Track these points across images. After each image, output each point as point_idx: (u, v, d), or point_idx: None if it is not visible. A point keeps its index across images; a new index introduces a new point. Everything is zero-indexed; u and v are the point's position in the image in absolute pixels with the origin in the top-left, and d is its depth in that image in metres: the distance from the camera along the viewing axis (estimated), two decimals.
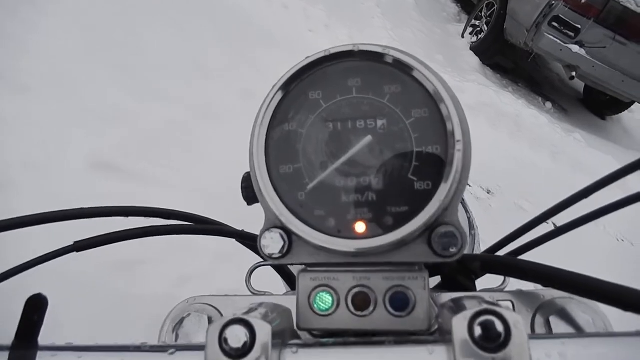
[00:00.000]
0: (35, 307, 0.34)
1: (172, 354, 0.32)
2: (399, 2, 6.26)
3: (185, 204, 2.23)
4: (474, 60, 5.87)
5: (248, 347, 0.29)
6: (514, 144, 4.45)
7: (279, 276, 0.68)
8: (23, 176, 2.14)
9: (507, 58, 6.14)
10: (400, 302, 0.37)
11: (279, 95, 0.38)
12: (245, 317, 0.30)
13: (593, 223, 0.61)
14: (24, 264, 0.44)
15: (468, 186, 3.85)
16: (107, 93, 2.79)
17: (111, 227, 0.56)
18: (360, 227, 0.36)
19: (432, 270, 0.49)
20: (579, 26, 4.88)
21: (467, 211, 1.03)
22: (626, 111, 6.59)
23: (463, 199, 1.09)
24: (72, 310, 1.50)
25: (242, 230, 0.56)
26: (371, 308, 0.37)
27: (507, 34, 5.65)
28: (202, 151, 2.71)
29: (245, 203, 0.47)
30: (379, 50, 0.37)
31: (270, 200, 0.37)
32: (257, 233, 0.44)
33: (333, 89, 0.39)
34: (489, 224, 3.36)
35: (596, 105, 6.64)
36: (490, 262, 0.48)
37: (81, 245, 0.46)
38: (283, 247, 0.37)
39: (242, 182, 0.41)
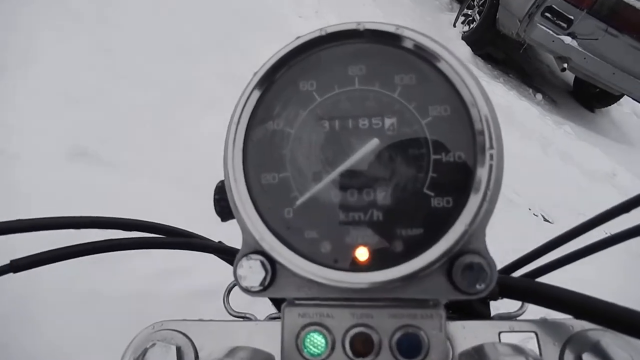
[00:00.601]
0: None
1: None
2: None
3: (167, 193, 2.14)
4: (466, 50, 5.79)
5: None
6: (505, 136, 4.39)
7: None
8: None
9: (498, 48, 6.08)
10: (410, 346, 0.29)
11: (262, 86, 0.30)
12: None
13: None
14: None
15: None
16: (87, 76, 2.66)
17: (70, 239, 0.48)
18: (362, 254, 0.28)
19: None
20: (572, 17, 4.82)
21: None
22: (615, 104, 6.59)
23: None
24: None
25: (220, 242, 0.48)
26: (374, 353, 0.29)
27: (499, 24, 5.58)
28: (185, 137, 2.60)
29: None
30: (391, 29, 0.29)
31: (248, 220, 0.28)
32: (239, 246, 0.36)
33: (330, 79, 0.30)
34: None
35: (586, 98, 6.62)
36: (512, 286, 0.41)
37: (20, 265, 0.37)
38: (264, 278, 0.29)
39: (215, 192, 0.32)
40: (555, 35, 4.92)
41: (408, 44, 0.29)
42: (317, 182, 0.29)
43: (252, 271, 0.29)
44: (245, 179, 0.29)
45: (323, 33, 0.30)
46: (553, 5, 4.83)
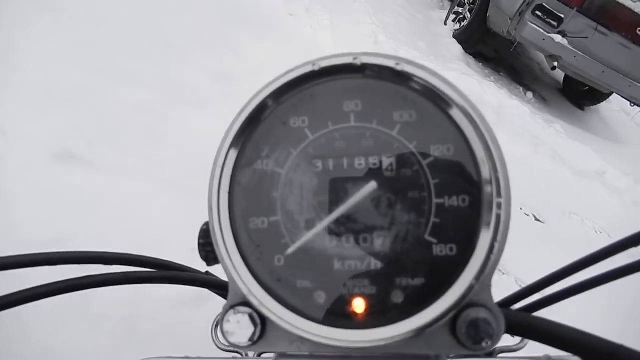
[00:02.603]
0: None
1: None
2: None
3: (155, 195, 2.10)
4: (457, 48, 5.79)
5: None
6: (496, 135, 4.41)
7: None
8: None
9: (489, 47, 6.08)
10: None
11: (249, 124, 0.27)
12: None
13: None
14: None
15: None
16: (72, 74, 2.61)
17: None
18: (359, 306, 0.26)
19: None
20: (562, 15, 4.82)
21: None
22: (604, 102, 6.63)
23: None
24: None
25: (208, 272, 0.45)
26: None
27: (490, 22, 5.57)
28: (174, 137, 2.56)
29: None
30: (391, 64, 0.26)
31: (235, 272, 0.26)
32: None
33: (323, 116, 0.27)
34: None
35: (575, 96, 6.66)
36: (514, 322, 0.39)
37: (4, 303, 0.34)
38: (254, 333, 0.26)
39: (199, 237, 0.30)
40: (545, 33, 4.92)
41: (405, 78, 0.27)
42: (310, 229, 0.26)
43: (240, 326, 0.26)
44: (231, 225, 0.27)
45: (316, 68, 0.27)
46: (543, 4, 4.83)
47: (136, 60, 2.91)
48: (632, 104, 5.57)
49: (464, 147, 0.26)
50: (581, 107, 6.67)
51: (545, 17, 4.88)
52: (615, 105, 7.23)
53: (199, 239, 0.30)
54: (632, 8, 4.66)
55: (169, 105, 2.73)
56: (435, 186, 0.26)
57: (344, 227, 0.26)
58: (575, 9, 4.76)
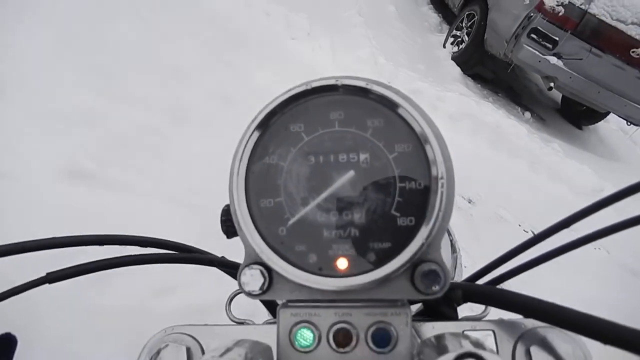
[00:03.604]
0: (5, 346, 0.32)
1: None
2: (380, 11, 6.30)
3: (163, 212, 2.19)
4: (455, 70, 5.94)
5: None
6: (493, 153, 4.50)
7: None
8: None
9: (487, 68, 6.22)
10: (382, 338, 0.35)
11: (260, 129, 0.36)
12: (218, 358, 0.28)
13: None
14: None
15: None
16: (81, 97, 2.73)
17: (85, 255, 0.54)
18: (342, 263, 0.35)
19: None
20: (557, 38, 4.97)
21: (449, 234, 1.03)
22: (602, 121, 6.74)
23: None
24: None
25: (223, 257, 0.54)
26: (353, 344, 0.35)
27: (487, 45, 5.73)
28: (178, 158, 2.67)
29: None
30: (362, 84, 0.36)
31: (249, 237, 0.35)
32: (238, 260, 0.43)
33: (315, 122, 0.37)
34: (470, 234, 3.38)
35: (573, 116, 6.77)
36: (472, 292, 0.47)
37: (54, 277, 0.43)
38: (263, 284, 0.35)
39: (222, 215, 0.39)
40: (541, 55, 5.07)
41: (373, 95, 0.36)
42: (305, 206, 0.35)
43: (254, 278, 0.35)
44: (247, 203, 0.36)
45: (309, 87, 0.36)
46: (538, 27, 4.98)
47: (143, 83, 3.04)
48: (629, 123, 5.68)
49: (418, 145, 0.35)
50: (579, 126, 6.78)
51: (541, 39, 5.04)
52: (613, 125, 7.34)
53: (221, 216, 0.39)
54: (624, 31, 4.80)
55: (173, 127, 2.85)
56: (398, 174, 0.35)
57: (330, 204, 0.35)
58: (569, 31, 4.91)
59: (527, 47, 5.09)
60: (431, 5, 7.66)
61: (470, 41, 5.96)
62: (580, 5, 4.78)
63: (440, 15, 7.48)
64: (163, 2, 3.96)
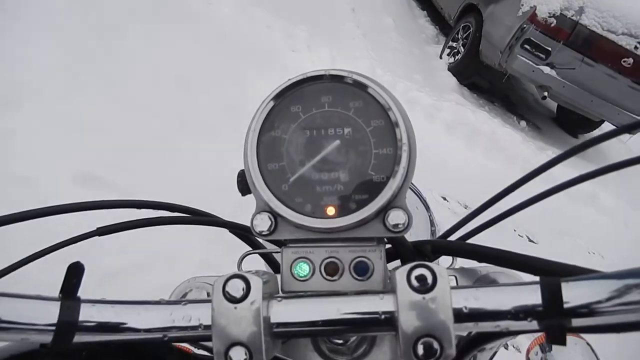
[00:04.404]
0: (75, 272, 0.42)
1: (185, 304, 0.41)
2: (378, 24, 6.46)
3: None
4: (452, 80, 6.08)
5: (244, 296, 0.38)
6: (489, 161, 4.62)
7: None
8: (10, 189, 2.19)
9: (483, 78, 6.37)
10: (362, 269, 0.46)
11: (267, 108, 0.48)
12: (242, 273, 0.39)
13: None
14: (52, 246, 0.51)
15: (445, 201, 3.98)
16: (94, 106, 2.86)
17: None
18: (330, 210, 0.45)
19: (393, 255, 0.58)
20: (550, 48, 5.12)
21: (420, 197, 1.15)
22: (597, 130, 6.86)
23: (415, 187, 1.20)
24: None
25: (233, 221, 0.64)
26: (339, 274, 0.46)
27: (482, 56, 5.88)
28: (186, 162, 2.79)
29: (240, 194, 0.56)
30: (344, 74, 0.47)
31: (261, 190, 0.46)
32: (247, 224, 0.54)
33: (310, 104, 0.48)
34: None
35: (568, 124, 6.90)
36: (439, 246, 0.58)
37: (103, 231, 0.54)
38: (270, 225, 0.46)
39: (238, 177, 0.50)
40: (534, 65, 5.21)
41: (351, 81, 0.47)
42: (302, 167, 0.47)
43: (263, 222, 0.46)
44: (258, 166, 0.47)
45: (305, 76, 0.48)
46: (531, 38, 5.13)
47: (152, 94, 3.17)
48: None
49: (388, 120, 0.46)
50: (575, 135, 6.90)
51: (534, 50, 5.18)
52: None
53: (237, 178, 0.50)
54: (615, 41, 4.94)
55: (181, 133, 2.97)
56: (373, 142, 0.46)
57: (321, 166, 0.46)
58: (562, 42, 5.05)
59: (520, 57, 5.24)
60: (428, 18, 7.84)
61: (466, 52, 6.11)
62: (572, 16, 4.93)
63: (436, 27, 7.65)
64: (168, 15, 4.12)
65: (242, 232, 0.64)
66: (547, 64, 5.20)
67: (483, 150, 4.67)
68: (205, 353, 0.55)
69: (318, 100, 0.48)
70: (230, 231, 0.64)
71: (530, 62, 5.21)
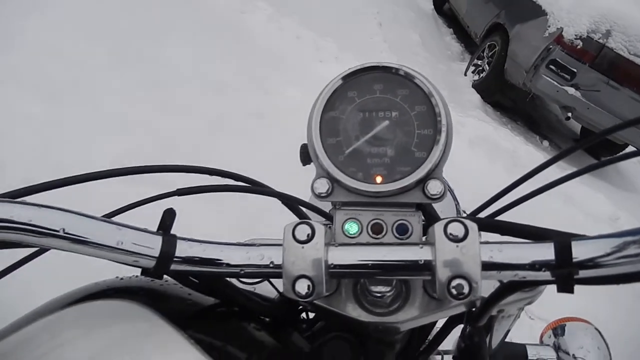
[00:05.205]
0: (169, 215, 0.52)
1: (258, 246, 0.50)
2: (405, 39, 6.58)
3: (199, 208, 2.40)
4: (476, 97, 6.14)
5: (310, 238, 0.47)
6: (510, 177, 4.62)
7: None
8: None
9: (506, 97, 6.41)
10: (402, 230, 0.55)
11: (330, 92, 0.57)
12: (308, 221, 0.48)
13: None
14: (133, 203, 0.61)
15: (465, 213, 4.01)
16: (134, 106, 3.02)
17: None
18: (378, 179, 0.54)
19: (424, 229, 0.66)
20: (575, 70, 5.15)
21: (446, 185, 1.23)
22: (620, 153, 6.81)
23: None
24: None
25: (286, 193, 0.72)
26: (383, 233, 0.55)
27: (507, 74, 5.93)
28: (217, 160, 2.91)
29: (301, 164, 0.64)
30: (395, 66, 0.57)
31: (322, 159, 0.55)
32: (297, 197, 0.63)
33: (364, 90, 0.57)
34: None
35: (592, 146, 6.87)
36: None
37: (181, 192, 0.63)
38: (328, 189, 0.55)
39: (300, 149, 0.59)
40: (559, 86, 5.25)
41: (401, 73, 0.57)
42: (356, 142, 0.56)
43: (322, 185, 0.55)
44: (320, 139, 0.56)
45: (362, 66, 0.57)
46: (557, 59, 5.17)
47: (187, 95, 3.33)
48: None
49: (430, 105, 0.55)
50: (597, 157, 6.87)
51: (559, 70, 5.22)
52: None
53: (301, 149, 0.58)
54: None
55: (213, 134, 3.11)
56: (416, 124, 0.55)
57: (372, 141, 0.55)
58: (587, 64, 5.09)
59: (545, 77, 5.28)
60: (454, 36, 7.93)
61: (490, 70, 6.17)
62: (598, 39, 4.97)
63: (462, 45, 7.73)
64: (206, 25, 4.29)
65: (293, 203, 0.73)
66: (571, 85, 5.23)
67: (505, 167, 4.70)
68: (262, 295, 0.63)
69: (371, 87, 0.57)
70: (282, 202, 0.73)
71: (555, 83, 5.25)
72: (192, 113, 3.19)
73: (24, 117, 2.64)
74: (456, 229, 0.46)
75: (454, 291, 0.45)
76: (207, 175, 0.66)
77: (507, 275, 0.47)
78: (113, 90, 3.07)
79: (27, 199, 0.47)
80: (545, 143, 6.15)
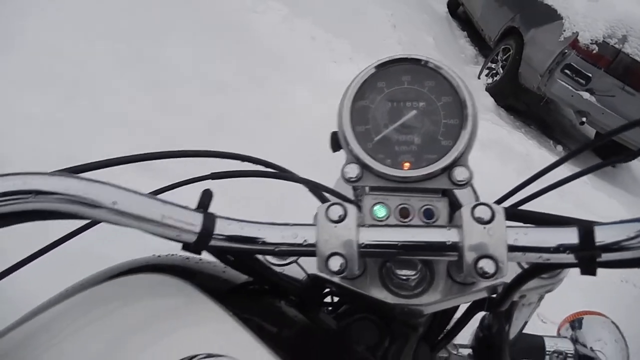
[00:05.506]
0: (208, 195, 0.54)
1: (292, 226, 0.52)
2: (419, 41, 6.58)
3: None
4: (489, 100, 6.13)
5: (342, 218, 0.49)
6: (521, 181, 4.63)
7: None
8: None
9: (520, 100, 6.39)
10: (429, 214, 0.57)
11: (360, 82, 0.59)
12: (341, 202, 0.50)
13: None
14: (171, 184, 0.63)
15: None
16: (136, 105, 3.08)
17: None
18: (406, 165, 0.57)
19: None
20: (590, 75, 5.14)
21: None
22: (636, 160, 6.74)
23: None
24: None
25: (311, 179, 0.74)
26: (410, 217, 0.57)
27: (521, 78, 5.92)
28: (220, 162, 2.94)
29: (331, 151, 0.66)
30: (423, 58, 0.59)
31: (353, 145, 0.57)
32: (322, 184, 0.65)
33: (393, 81, 0.59)
34: None
35: (606, 152, 6.82)
36: None
37: (216, 176, 0.66)
38: (357, 174, 0.57)
39: (331, 136, 0.61)
40: (574, 90, 5.23)
41: (429, 65, 0.59)
42: (385, 130, 0.58)
43: (352, 170, 0.57)
44: (351, 127, 0.59)
45: (390, 58, 0.60)
46: (572, 63, 5.16)
47: (189, 95, 3.38)
48: None
49: (456, 96, 0.57)
50: (613, 164, 6.82)
51: (574, 75, 5.20)
52: None
53: (331, 136, 0.61)
54: None
55: (215, 134, 3.14)
56: (443, 114, 0.58)
57: (400, 129, 0.58)
58: (603, 69, 5.07)
59: (560, 81, 5.27)
60: (468, 39, 7.92)
61: (504, 74, 6.17)
62: (614, 44, 4.95)
63: (476, 48, 7.72)
64: (210, 24, 4.33)
65: (318, 190, 0.75)
66: (586, 90, 5.21)
67: (517, 169, 4.69)
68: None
69: (399, 78, 0.59)
70: (308, 189, 0.75)
71: (570, 87, 5.24)
72: (192, 113, 3.22)
73: (24, 117, 2.69)
74: (483, 211, 0.48)
75: (480, 270, 0.47)
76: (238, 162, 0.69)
77: (532, 258, 0.49)
78: (112, 90, 3.12)
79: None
80: (559, 148, 6.12)
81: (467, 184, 0.56)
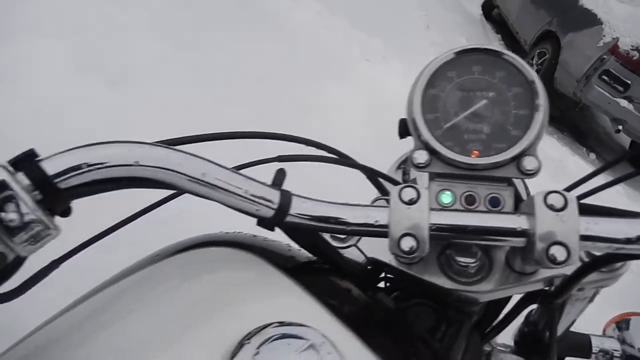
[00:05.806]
0: (281, 174, 0.56)
1: (363, 207, 0.54)
2: (452, 42, 6.51)
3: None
4: None
5: (415, 201, 0.51)
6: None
7: None
8: None
9: (554, 106, 6.26)
10: (495, 202, 0.58)
11: (431, 71, 0.61)
12: (414, 185, 0.52)
13: None
14: (241, 164, 0.66)
15: None
16: (183, 92, 3.16)
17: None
18: (474, 154, 0.58)
19: None
20: (629, 82, 5.01)
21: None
22: None
23: None
24: None
25: (371, 167, 0.75)
26: (476, 204, 0.58)
27: (556, 83, 5.81)
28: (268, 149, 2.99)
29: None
30: (496, 49, 0.60)
31: (423, 131, 0.58)
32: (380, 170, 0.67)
33: (463, 71, 0.60)
34: None
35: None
36: None
37: (283, 159, 0.68)
38: (426, 160, 0.58)
39: (399, 123, 0.62)
40: (611, 97, 5.11)
41: (501, 56, 0.60)
42: (455, 118, 0.59)
43: (421, 156, 0.58)
44: (421, 114, 0.60)
45: (464, 48, 0.60)
46: (610, 69, 5.04)
47: (239, 88, 3.44)
48: None
49: (527, 86, 0.58)
50: None
51: (612, 82, 5.08)
52: None
53: (399, 123, 0.62)
54: None
55: (265, 126, 3.18)
56: (513, 105, 0.58)
57: (470, 118, 0.59)
58: None
59: (597, 88, 5.16)
60: (502, 42, 7.81)
61: (539, 78, 6.05)
62: None
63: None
64: (250, 19, 4.38)
65: (376, 178, 0.76)
66: (624, 97, 5.09)
67: (550, 174, 4.62)
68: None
69: (469, 68, 0.60)
70: (367, 176, 0.76)
71: (607, 94, 5.12)
72: (241, 104, 3.28)
73: (75, 100, 2.78)
74: (556, 199, 0.49)
75: (552, 257, 0.47)
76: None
77: (602, 247, 0.49)
78: (160, 79, 3.21)
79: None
80: (592, 156, 5.99)
81: (535, 173, 0.56)
